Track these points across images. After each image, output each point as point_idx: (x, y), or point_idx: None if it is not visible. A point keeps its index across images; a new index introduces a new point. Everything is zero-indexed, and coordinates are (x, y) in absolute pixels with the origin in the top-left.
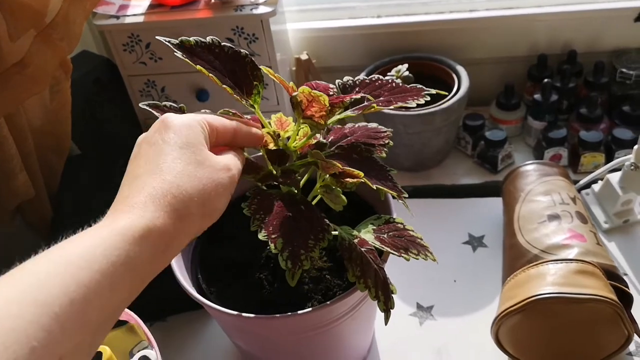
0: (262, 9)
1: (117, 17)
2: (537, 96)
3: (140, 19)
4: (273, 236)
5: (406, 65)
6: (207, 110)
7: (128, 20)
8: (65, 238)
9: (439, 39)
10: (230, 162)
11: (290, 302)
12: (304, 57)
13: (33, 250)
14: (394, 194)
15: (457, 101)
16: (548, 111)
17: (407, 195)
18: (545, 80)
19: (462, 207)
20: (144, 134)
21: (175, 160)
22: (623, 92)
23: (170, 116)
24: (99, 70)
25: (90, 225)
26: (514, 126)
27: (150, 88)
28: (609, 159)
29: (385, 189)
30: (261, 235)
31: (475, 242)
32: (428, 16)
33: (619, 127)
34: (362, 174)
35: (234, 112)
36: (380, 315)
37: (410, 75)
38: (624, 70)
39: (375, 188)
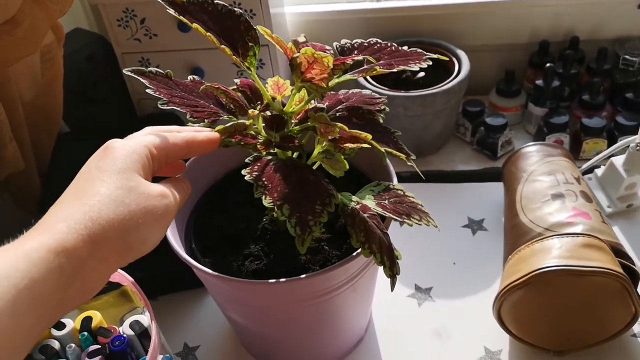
0: None
1: None
2: (538, 82)
3: None
4: (279, 202)
5: (406, 47)
6: (152, 129)
7: None
8: None
9: (439, 24)
10: (168, 190)
11: (287, 273)
12: (301, 39)
13: (19, 229)
14: (403, 156)
15: (457, 83)
16: (550, 97)
17: (414, 157)
18: (548, 65)
19: (462, 191)
20: (87, 161)
21: (103, 185)
22: (625, 80)
23: (112, 142)
24: (91, 47)
25: None
26: (514, 114)
27: (144, 66)
28: (611, 145)
29: (394, 151)
30: (266, 202)
31: (475, 225)
32: (428, 1)
33: (621, 114)
34: (369, 136)
35: (217, 85)
36: (378, 297)
37: None
38: (627, 57)
39: (383, 151)
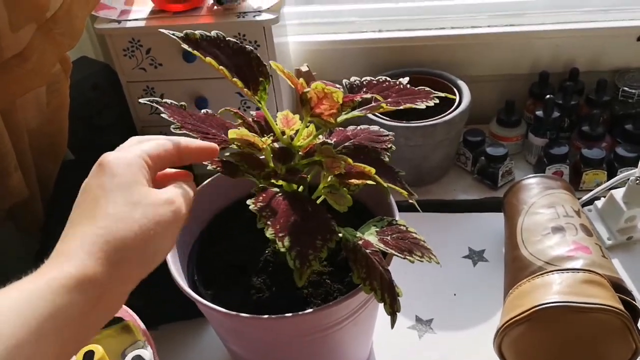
0: (265, 16)
1: (119, 22)
2: (539, 112)
3: (142, 23)
4: (280, 234)
5: (407, 79)
6: (148, 138)
7: (129, 24)
8: (55, 243)
9: (439, 54)
10: (174, 194)
11: (289, 307)
12: (304, 68)
13: (23, 255)
14: (405, 193)
15: (458, 114)
16: (550, 127)
17: (417, 197)
18: (548, 96)
19: (463, 221)
20: (86, 180)
21: (109, 205)
22: (625, 111)
23: (106, 157)
24: (97, 75)
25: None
26: (514, 143)
27: (149, 95)
28: (611, 177)
29: (397, 188)
30: (268, 233)
31: (475, 256)
32: (429, 31)
33: (621, 145)
34: (373, 170)
35: (235, 110)
36: (378, 328)
37: None
38: (626, 88)
39: (386, 186)
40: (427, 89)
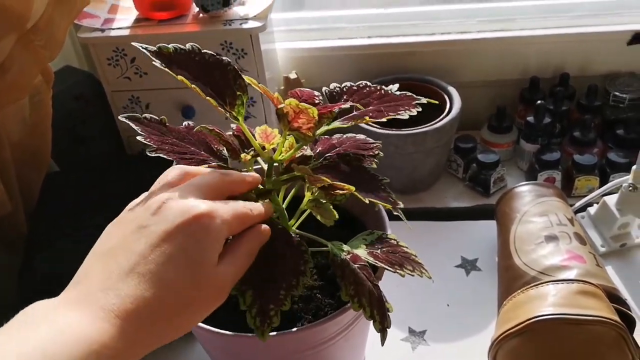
0: (252, 24)
1: (102, 30)
2: (530, 118)
3: (126, 32)
4: (243, 287)
5: (397, 86)
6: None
7: (113, 33)
8: (39, 257)
9: (429, 60)
10: (230, 277)
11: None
12: (292, 76)
13: (6, 269)
14: (389, 206)
15: (449, 121)
16: (541, 134)
17: (402, 206)
18: (539, 102)
19: (455, 230)
20: (134, 204)
21: (170, 269)
22: (616, 116)
23: (207, 219)
24: (81, 85)
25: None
26: (505, 150)
27: (134, 104)
28: (604, 182)
29: (379, 202)
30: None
31: (468, 265)
32: (419, 37)
33: (612, 151)
34: (352, 188)
35: (211, 127)
36: (371, 341)
37: None
38: (617, 93)
39: (367, 202)
40: (410, 94)
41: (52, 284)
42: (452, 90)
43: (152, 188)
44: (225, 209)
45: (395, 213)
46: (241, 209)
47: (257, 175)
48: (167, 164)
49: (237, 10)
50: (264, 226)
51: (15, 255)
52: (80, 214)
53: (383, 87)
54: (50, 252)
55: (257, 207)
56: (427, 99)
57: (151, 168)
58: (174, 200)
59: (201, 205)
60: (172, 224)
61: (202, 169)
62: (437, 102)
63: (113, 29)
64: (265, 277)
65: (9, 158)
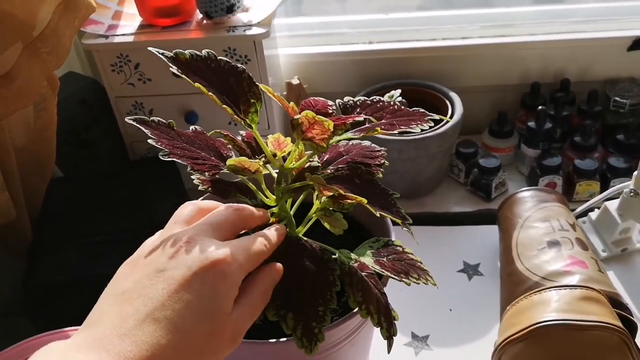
0: (255, 30)
1: (106, 37)
2: (531, 123)
3: (130, 38)
4: (282, 312)
5: (399, 91)
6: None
7: (117, 39)
8: (44, 263)
9: (431, 66)
10: (243, 327)
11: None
12: (295, 81)
13: (9, 276)
14: (399, 221)
15: (451, 127)
16: (542, 139)
17: (411, 222)
18: (540, 107)
19: (457, 234)
20: (150, 244)
21: (187, 317)
22: (617, 121)
23: (224, 264)
24: (85, 91)
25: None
26: (506, 154)
27: (138, 110)
28: (604, 187)
29: (390, 216)
30: (270, 316)
31: (470, 270)
32: (420, 43)
33: (613, 156)
34: (365, 200)
35: (225, 133)
36: (375, 346)
37: (403, 100)
38: (617, 99)
39: (379, 215)
40: (422, 110)
41: (55, 290)
42: (454, 95)
43: (167, 225)
44: (242, 252)
45: (404, 229)
46: (257, 247)
47: (266, 211)
48: (171, 170)
49: (240, 17)
50: (278, 265)
51: (20, 261)
52: (84, 219)
53: (396, 102)
54: (54, 259)
55: (272, 240)
56: (439, 115)
57: (154, 173)
58: (191, 243)
59: (219, 251)
60: (190, 271)
61: (215, 203)
62: (448, 118)
63: (117, 35)
64: (299, 297)
65: (14, 164)
